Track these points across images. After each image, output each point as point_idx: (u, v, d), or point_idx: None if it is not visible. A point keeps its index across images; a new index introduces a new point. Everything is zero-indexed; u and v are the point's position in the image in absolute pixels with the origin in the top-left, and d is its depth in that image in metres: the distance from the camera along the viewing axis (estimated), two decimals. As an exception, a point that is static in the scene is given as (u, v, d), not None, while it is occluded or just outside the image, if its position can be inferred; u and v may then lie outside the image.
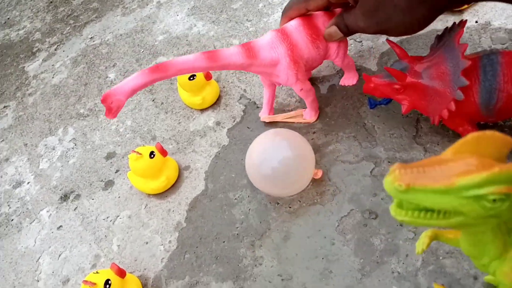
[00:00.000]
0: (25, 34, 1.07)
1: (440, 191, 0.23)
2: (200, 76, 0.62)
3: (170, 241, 0.55)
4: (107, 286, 0.46)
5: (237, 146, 0.61)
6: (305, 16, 0.52)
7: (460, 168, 0.23)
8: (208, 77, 0.63)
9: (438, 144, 0.51)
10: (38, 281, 0.59)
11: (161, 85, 0.74)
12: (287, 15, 0.52)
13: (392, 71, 0.45)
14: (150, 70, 0.46)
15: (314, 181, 0.53)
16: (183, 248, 0.54)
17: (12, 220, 0.68)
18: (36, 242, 0.63)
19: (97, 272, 0.47)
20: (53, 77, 0.90)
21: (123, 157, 0.67)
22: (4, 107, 0.89)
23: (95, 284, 0.45)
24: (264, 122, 0.61)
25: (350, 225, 0.48)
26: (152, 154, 0.56)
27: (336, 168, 0.53)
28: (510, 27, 0.58)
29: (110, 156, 0.69)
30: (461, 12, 0.62)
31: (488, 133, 0.24)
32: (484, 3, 0.62)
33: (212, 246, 0.53)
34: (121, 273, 0.48)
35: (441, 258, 0.44)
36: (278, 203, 0.53)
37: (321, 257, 0.47)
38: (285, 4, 0.76)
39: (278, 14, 0.77)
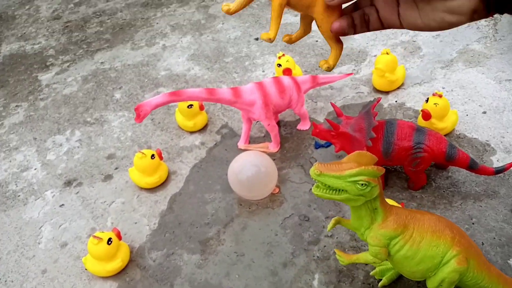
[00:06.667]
0: (40, 49, 1.25)
1: (336, 176, 0.44)
2: (196, 105, 0.82)
3: (154, 223, 0.72)
4: (109, 242, 0.62)
5: (215, 161, 0.81)
6: (276, 77, 0.75)
7: (347, 166, 0.45)
8: (201, 107, 0.84)
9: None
10: (39, 244, 0.73)
11: (160, 110, 0.94)
12: None
13: (330, 122, 0.68)
14: (169, 94, 0.67)
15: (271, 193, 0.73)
16: (164, 229, 0.71)
17: (19, 196, 0.82)
18: (40, 215, 0.78)
19: (102, 232, 0.63)
20: (64, 89, 1.07)
21: (122, 159, 0.85)
22: (16, 106, 1.04)
23: (101, 238, 0.61)
24: (240, 148, 0.82)
25: (290, 223, 0.68)
26: (152, 156, 0.74)
27: (286, 185, 0.74)
28: (417, 108, 0.84)
29: (111, 156, 0.86)
30: (387, 93, 0.88)
31: (363, 152, 0.47)
32: (405, 90, 0.88)
33: (187, 229, 0.71)
34: (119, 236, 0.64)
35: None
36: (241, 205, 0.73)
37: (267, 243, 0.66)
38: (265, 67, 1.01)
39: (259, 72, 1.00)
